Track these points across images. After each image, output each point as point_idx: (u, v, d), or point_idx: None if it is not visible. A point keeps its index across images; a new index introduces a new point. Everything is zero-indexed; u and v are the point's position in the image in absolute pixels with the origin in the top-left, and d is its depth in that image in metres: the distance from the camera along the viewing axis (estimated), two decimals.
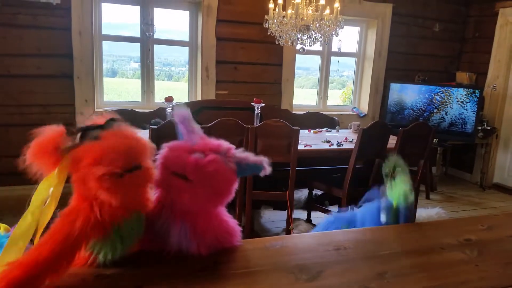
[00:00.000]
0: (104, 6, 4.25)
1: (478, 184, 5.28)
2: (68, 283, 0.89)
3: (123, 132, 0.99)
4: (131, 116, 4.03)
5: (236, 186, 1.12)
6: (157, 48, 4.52)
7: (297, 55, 4.83)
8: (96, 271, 0.95)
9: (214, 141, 1.12)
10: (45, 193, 0.97)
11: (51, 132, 0.96)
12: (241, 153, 1.11)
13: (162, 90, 4.75)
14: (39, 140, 0.95)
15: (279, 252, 1.14)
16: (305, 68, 5.74)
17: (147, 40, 4.40)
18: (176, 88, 5.11)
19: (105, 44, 4.40)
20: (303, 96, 5.76)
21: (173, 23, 4.79)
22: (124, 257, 1.00)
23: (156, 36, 4.42)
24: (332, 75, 5.44)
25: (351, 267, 1.08)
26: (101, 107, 4.34)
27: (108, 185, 0.91)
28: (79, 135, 0.97)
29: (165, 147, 1.09)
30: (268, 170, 1.11)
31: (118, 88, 5.17)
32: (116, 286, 0.92)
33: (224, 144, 1.12)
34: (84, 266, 0.95)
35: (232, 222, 1.17)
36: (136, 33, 4.42)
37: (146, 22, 4.36)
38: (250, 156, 1.11)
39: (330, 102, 5.50)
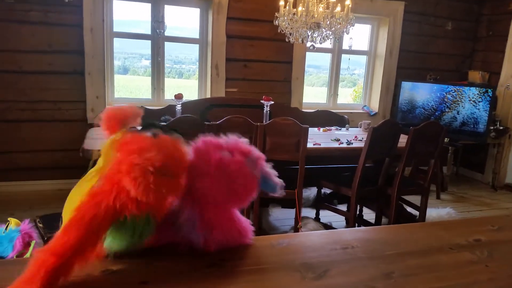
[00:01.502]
0: (116, 3, 4.28)
1: (489, 184, 5.22)
2: (74, 277, 0.89)
3: (178, 145, 1.02)
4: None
5: (255, 195, 1.12)
6: (168, 45, 4.54)
7: (307, 53, 4.81)
8: (103, 266, 0.96)
9: (248, 146, 1.13)
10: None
11: (131, 108, 1.09)
12: (268, 168, 1.13)
13: (172, 87, 4.77)
14: (120, 108, 1.08)
15: (285, 250, 1.13)
16: (315, 66, 5.72)
17: (157, 38, 4.42)
18: (186, 85, 5.13)
19: (117, 42, 4.43)
20: (313, 94, 5.74)
21: (183, 20, 4.80)
22: (132, 252, 1.00)
23: (166, 33, 4.43)
24: (343, 73, 5.41)
25: (358, 266, 1.07)
26: (111, 103, 4.37)
27: (136, 175, 0.91)
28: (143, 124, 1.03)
29: (200, 139, 1.11)
30: (281, 193, 1.13)
31: (130, 85, 5.21)
32: (122, 282, 0.92)
33: (257, 152, 1.13)
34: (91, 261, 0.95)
35: (244, 221, 1.17)
36: (147, 30, 4.44)
37: (157, 20, 4.37)
38: (273, 175, 1.13)
39: (341, 100, 5.47)
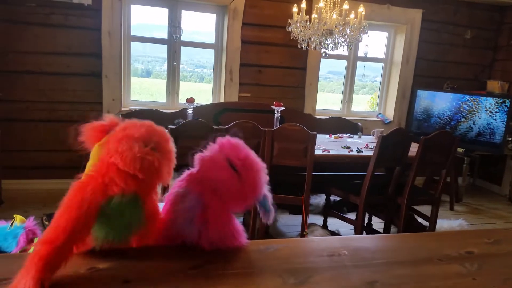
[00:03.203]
0: (134, 8, 4.36)
1: (507, 197, 5.10)
2: (60, 274, 0.93)
3: (161, 129, 1.10)
4: (155, 115, 4.13)
5: (251, 203, 1.18)
6: (190, 50, 4.63)
7: (329, 60, 4.80)
8: (89, 264, 0.99)
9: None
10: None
11: (109, 120, 1.11)
12: (267, 191, 1.19)
13: (192, 91, 4.83)
14: (95, 123, 1.10)
15: (272, 255, 1.15)
16: (337, 72, 5.68)
17: (173, 42, 4.49)
18: (206, 89, 5.17)
19: (140, 45, 4.55)
20: (332, 101, 5.70)
21: (200, 25, 4.87)
22: (117, 251, 1.03)
23: (184, 37, 4.50)
24: (365, 80, 5.39)
25: (342, 274, 1.07)
26: (127, 106, 4.46)
27: (122, 148, 0.98)
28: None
29: (225, 138, 1.17)
30: (269, 221, 1.21)
31: (151, 88, 5.28)
32: (106, 280, 0.95)
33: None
34: (77, 258, 0.99)
35: (238, 225, 1.20)
36: (165, 34, 4.52)
37: (174, 25, 4.45)
38: (270, 198, 1.20)
39: (359, 107, 5.44)
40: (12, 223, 1.34)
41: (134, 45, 4.50)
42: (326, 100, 5.53)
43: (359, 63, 5.19)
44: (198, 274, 1.00)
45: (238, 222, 1.20)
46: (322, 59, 4.78)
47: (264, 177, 1.17)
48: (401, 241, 1.36)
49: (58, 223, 0.92)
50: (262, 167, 1.16)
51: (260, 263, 1.10)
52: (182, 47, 4.57)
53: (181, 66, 4.64)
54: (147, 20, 4.74)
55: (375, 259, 1.18)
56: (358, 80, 5.39)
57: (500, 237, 1.42)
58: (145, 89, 5.14)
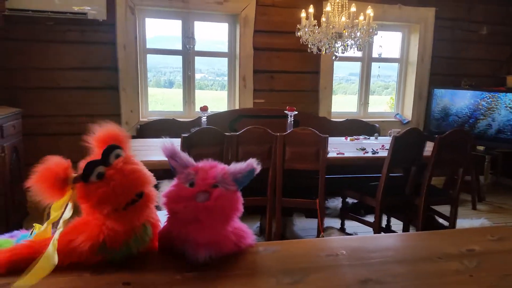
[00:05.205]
0: (148, 21, 4.48)
1: None
2: (62, 276, 0.98)
3: (125, 167, 1.05)
4: (172, 125, 4.22)
5: (242, 200, 1.16)
6: (211, 59, 4.77)
7: (347, 62, 4.81)
8: (90, 267, 1.04)
9: (208, 170, 1.13)
10: (57, 216, 1.05)
11: (57, 164, 1.02)
12: (233, 168, 1.13)
13: (209, 99, 4.90)
14: (46, 169, 1.00)
15: (269, 257, 1.17)
16: (357, 74, 5.64)
17: (188, 53, 4.58)
18: (222, 97, 5.22)
19: (161, 57, 4.69)
20: (349, 103, 5.66)
21: (214, 34, 4.95)
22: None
23: (199, 47, 4.59)
24: (387, 80, 5.36)
25: (337, 273, 1.09)
26: (145, 116, 4.56)
27: (113, 218, 1.02)
28: (82, 173, 1.03)
29: (166, 198, 1.11)
30: (258, 168, 1.13)
31: (174, 98, 5.36)
32: (106, 281, 0.99)
33: (218, 168, 1.14)
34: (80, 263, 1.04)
35: (242, 228, 1.20)
36: (180, 45, 4.61)
37: (187, 36, 4.54)
38: (241, 166, 1.13)
39: (380, 108, 5.41)
40: (32, 232, 1.42)
41: (157, 57, 4.64)
42: (348, 103, 5.48)
43: (374, 64, 5.17)
44: (195, 277, 1.04)
45: (240, 226, 1.21)
46: (340, 62, 4.79)
47: (228, 188, 1.11)
48: (403, 240, 1.36)
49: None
50: (222, 193, 1.09)
51: (256, 265, 1.12)
52: (198, 57, 4.66)
53: (202, 75, 4.75)
54: (165, 32, 4.86)
55: (373, 258, 1.19)
56: (380, 80, 5.36)
57: (504, 235, 1.41)
58: (167, 99, 5.23)
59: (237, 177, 1.13)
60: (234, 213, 1.14)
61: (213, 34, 4.91)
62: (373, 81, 5.30)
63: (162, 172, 1.16)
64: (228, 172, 1.13)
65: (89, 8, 3.89)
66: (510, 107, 4.46)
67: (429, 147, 3.26)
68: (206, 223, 1.07)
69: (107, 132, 1.13)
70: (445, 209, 3.49)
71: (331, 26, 3.29)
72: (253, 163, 1.13)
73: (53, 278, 0.95)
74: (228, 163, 1.17)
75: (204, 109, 3.59)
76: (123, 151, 1.09)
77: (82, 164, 1.05)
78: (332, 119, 4.77)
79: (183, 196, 1.10)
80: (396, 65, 5.37)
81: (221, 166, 1.15)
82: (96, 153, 1.10)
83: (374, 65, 5.17)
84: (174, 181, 1.15)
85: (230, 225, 1.16)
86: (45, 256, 0.96)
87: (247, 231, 1.22)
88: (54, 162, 1.02)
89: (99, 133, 1.13)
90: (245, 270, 1.09)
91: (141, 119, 4.45)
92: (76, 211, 1.08)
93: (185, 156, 1.17)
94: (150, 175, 1.11)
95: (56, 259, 0.96)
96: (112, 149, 1.07)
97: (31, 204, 3.87)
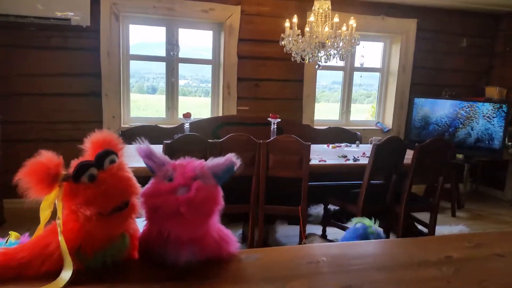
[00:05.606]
0: (133, 28, 4.46)
1: (510, 202, 5.08)
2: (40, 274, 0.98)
3: (117, 173, 1.04)
4: (155, 131, 4.20)
5: (222, 193, 1.14)
6: (195, 66, 4.79)
7: (330, 71, 4.87)
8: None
9: (186, 165, 1.12)
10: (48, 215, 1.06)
11: (49, 159, 1.00)
12: (211, 162, 1.12)
13: (192, 106, 4.90)
14: (37, 163, 0.99)
15: (250, 265, 1.17)
16: (339, 82, 5.72)
17: (171, 59, 4.57)
18: (206, 104, 5.23)
19: (144, 63, 4.67)
20: (331, 111, 5.73)
21: (198, 41, 4.96)
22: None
23: (183, 53, 4.59)
24: (369, 89, 5.44)
25: (318, 280, 1.10)
26: (127, 123, 4.53)
27: (95, 223, 0.99)
28: (74, 172, 1.01)
29: (145, 195, 1.08)
30: (238, 163, 1.12)
31: (157, 104, 5.35)
32: (90, 284, 0.99)
33: (196, 163, 1.13)
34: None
35: (226, 233, 1.19)
36: (163, 51, 4.61)
37: (171, 42, 4.54)
38: (219, 161, 1.12)
39: (362, 117, 5.48)
40: (7, 240, 1.39)
41: (140, 63, 4.62)
42: (331, 111, 5.54)
43: (356, 73, 5.24)
44: (175, 286, 1.04)
45: (223, 231, 1.21)
46: (323, 71, 4.84)
47: (207, 182, 1.09)
48: (383, 247, 1.38)
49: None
50: (202, 186, 1.07)
51: (240, 273, 1.13)
52: (183, 64, 4.66)
53: (186, 81, 4.74)
54: (148, 39, 4.84)
55: (353, 265, 1.20)
56: (362, 89, 5.44)
57: (482, 241, 1.44)
58: (150, 105, 5.21)
59: (216, 172, 1.12)
60: (215, 206, 1.11)
61: (197, 41, 4.92)
62: (355, 89, 5.38)
63: (142, 179, 1.14)
64: (206, 166, 1.12)
65: (72, 14, 3.86)
66: (487, 116, 4.57)
67: (409, 155, 3.32)
68: (187, 215, 1.05)
69: (104, 137, 1.12)
70: (425, 216, 3.55)
71: (314, 36, 3.33)
72: (231, 158, 1.12)
73: None
74: None
75: (187, 115, 3.59)
76: (117, 158, 1.08)
77: (74, 163, 1.03)
78: (315, 127, 4.81)
79: (162, 191, 1.07)
80: (377, 74, 5.46)
81: (199, 161, 1.14)
82: (89, 156, 1.09)
83: (356, 74, 5.25)
84: (152, 180, 1.12)
85: (213, 222, 1.14)
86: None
87: (231, 237, 1.21)
88: (47, 157, 1.00)
89: (95, 137, 1.12)
90: (227, 278, 1.09)
91: (122, 125, 4.43)
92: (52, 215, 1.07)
93: (161, 154, 1.15)
94: (138, 186, 1.10)
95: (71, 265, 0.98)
96: (107, 153, 1.06)
97: (8, 212, 3.80)
